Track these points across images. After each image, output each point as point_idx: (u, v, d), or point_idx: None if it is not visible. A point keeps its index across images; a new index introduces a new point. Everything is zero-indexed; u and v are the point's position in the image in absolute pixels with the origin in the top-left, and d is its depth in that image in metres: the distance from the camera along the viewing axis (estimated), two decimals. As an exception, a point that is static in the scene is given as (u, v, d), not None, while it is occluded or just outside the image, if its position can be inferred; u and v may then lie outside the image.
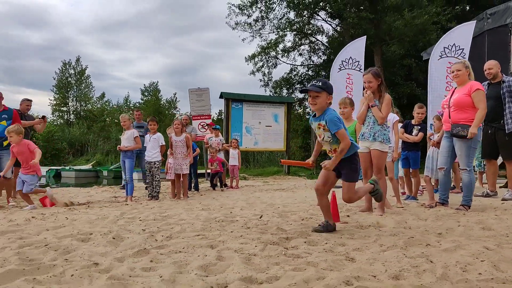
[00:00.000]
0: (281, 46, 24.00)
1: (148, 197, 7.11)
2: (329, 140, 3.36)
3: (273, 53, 24.48)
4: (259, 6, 20.40)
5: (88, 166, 23.77)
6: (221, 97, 14.99)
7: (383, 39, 18.45)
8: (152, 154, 7.14)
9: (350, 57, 10.84)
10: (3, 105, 6.81)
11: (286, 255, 2.57)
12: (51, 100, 32.38)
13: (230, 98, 14.70)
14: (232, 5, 20.99)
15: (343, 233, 3.34)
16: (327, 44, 25.09)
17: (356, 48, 11.05)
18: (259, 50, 24.29)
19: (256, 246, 2.79)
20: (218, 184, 9.40)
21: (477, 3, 21.85)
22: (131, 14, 60.34)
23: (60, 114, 32.87)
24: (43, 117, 7.82)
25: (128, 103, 39.40)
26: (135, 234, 3.26)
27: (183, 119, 9.51)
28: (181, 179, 7.35)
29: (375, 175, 4.60)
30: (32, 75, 53.94)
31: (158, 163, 7.14)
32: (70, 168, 21.30)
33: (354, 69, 10.82)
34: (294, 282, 2.00)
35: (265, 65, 25.09)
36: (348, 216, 4.33)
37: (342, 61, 10.96)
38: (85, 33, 56.80)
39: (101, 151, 27.51)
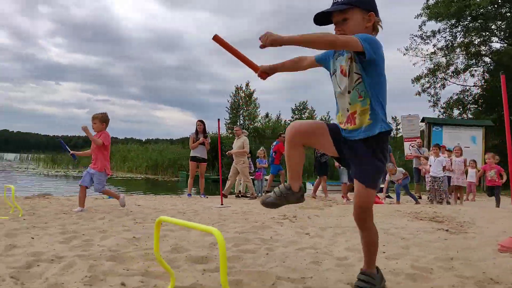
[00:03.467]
0: (452, 68, 25.09)
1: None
2: (354, 83, 1.94)
3: (441, 75, 25.66)
4: (443, 35, 22.14)
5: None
6: (422, 121, 17.12)
7: None
8: (438, 171, 9.55)
9: None
10: None
11: None
12: (226, 119, 38.02)
13: (431, 122, 16.74)
14: (414, 36, 23.18)
15: None
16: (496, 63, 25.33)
17: None
18: (425, 71, 25.76)
19: None
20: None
21: None
22: (254, 33, 65.89)
23: (231, 131, 38.27)
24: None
25: (280, 121, 43.69)
26: None
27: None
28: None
29: None
30: (167, 93, 62.58)
31: (442, 178, 9.51)
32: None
33: None
34: None
35: (432, 86, 26.35)
36: None
37: None
38: (212, 54, 63.89)
39: (273, 164, 31.64)
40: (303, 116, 44.29)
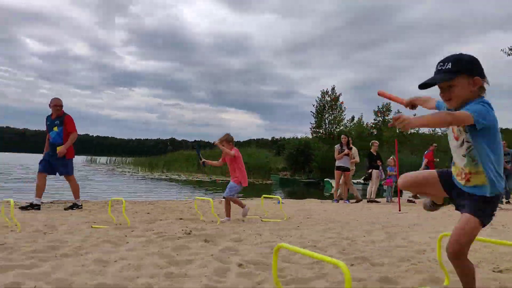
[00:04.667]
0: None
1: None
2: (466, 150, 2.05)
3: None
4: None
5: (360, 180, 27.73)
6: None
7: None
8: None
9: None
10: None
11: None
12: (312, 123, 38.69)
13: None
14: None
15: None
16: None
17: None
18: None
19: None
20: None
21: None
22: (318, 34, 65.52)
23: (316, 135, 38.80)
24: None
25: (362, 123, 43.19)
26: None
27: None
28: None
29: None
30: (232, 96, 64.52)
31: None
32: (357, 182, 25.49)
33: None
34: None
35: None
36: None
37: None
38: (276, 56, 64.63)
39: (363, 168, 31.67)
40: (387, 118, 43.40)
